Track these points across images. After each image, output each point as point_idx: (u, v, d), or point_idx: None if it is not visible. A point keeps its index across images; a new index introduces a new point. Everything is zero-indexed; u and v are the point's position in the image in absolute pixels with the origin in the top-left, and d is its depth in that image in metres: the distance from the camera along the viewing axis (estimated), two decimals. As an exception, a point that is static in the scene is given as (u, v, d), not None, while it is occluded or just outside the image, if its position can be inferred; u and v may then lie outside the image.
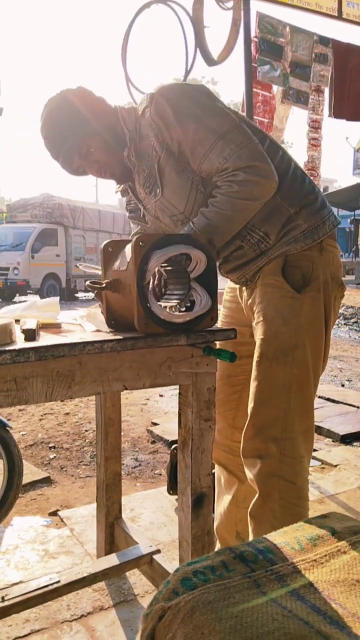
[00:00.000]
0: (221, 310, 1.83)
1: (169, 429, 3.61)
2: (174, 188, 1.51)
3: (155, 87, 1.52)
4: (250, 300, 1.62)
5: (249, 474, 1.55)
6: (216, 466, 1.87)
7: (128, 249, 1.22)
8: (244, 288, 1.67)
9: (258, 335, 1.56)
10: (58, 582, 1.55)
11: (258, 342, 1.55)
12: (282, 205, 1.51)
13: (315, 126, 3.45)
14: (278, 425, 1.51)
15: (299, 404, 1.52)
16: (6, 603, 1.48)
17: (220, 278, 1.39)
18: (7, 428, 2.34)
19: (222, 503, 1.88)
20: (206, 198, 1.49)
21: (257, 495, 1.53)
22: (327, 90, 3.50)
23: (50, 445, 3.47)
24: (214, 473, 1.70)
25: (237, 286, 1.72)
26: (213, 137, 1.40)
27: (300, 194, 1.54)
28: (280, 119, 3.41)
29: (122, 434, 1.96)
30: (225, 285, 1.81)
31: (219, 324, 1.75)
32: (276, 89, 3.33)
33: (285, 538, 1.10)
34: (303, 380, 1.53)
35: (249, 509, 1.56)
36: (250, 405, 1.55)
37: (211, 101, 1.47)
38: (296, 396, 1.52)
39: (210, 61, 3.04)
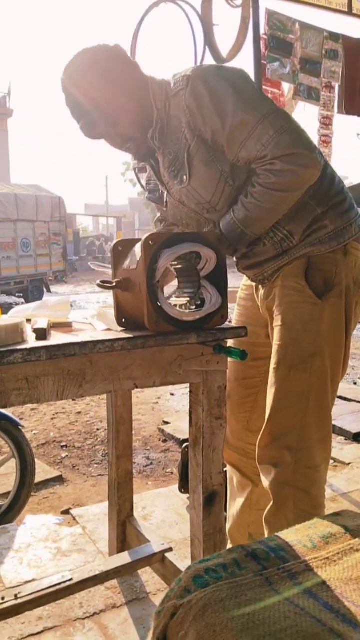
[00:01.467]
0: (235, 309, 1.79)
1: (180, 427, 3.61)
2: (201, 179, 1.45)
3: (191, 68, 1.44)
4: (268, 300, 1.57)
5: (265, 481, 1.53)
6: (228, 467, 1.86)
7: (138, 248, 1.22)
8: (260, 286, 1.62)
9: (276, 340, 1.51)
10: (70, 580, 1.56)
11: (276, 347, 1.51)
12: (310, 204, 1.45)
13: (326, 123, 3.43)
14: (294, 434, 1.48)
15: (316, 413, 1.49)
16: (19, 601, 1.49)
17: (231, 276, 1.36)
18: (20, 427, 2.35)
19: (234, 505, 1.86)
20: (234, 191, 1.44)
21: (272, 503, 1.51)
22: (337, 87, 3.47)
23: (62, 444, 3.48)
24: (225, 472, 1.70)
25: (253, 284, 1.67)
26: (252, 123, 1.33)
27: (329, 194, 1.48)
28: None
29: (133, 432, 1.96)
30: (237, 283, 1.80)
31: (232, 323, 1.72)
32: (287, 87, 3.31)
33: (298, 536, 1.09)
34: (321, 388, 1.49)
35: (264, 515, 1.54)
36: (267, 412, 1.52)
37: (249, 85, 1.41)
38: (314, 405, 1.48)
39: (219, 59, 3.03)
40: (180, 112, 1.41)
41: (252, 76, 2.83)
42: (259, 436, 1.54)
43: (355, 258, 1.51)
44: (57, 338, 1.16)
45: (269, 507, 1.53)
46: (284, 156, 1.31)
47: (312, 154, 1.33)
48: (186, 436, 2.01)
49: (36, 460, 2.47)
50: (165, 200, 1.62)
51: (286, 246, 1.48)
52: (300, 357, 1.47)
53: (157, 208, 1.79)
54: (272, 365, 1.52)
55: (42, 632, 1.65)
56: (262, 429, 1.52)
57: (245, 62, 3.07)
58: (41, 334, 1.13)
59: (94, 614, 1.73)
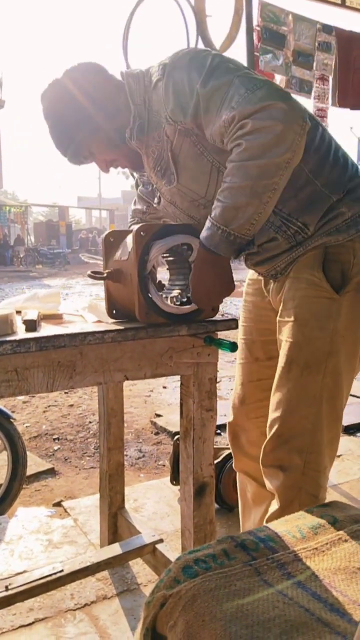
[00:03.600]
0: (241, 305, 1.68)
1: (173, 420, 3.61)
2: (191, 174, 1.33)
3: (169, 56, 1.31)
4: (280, 295, 1.44)
5: (269, 484, 1.46)
6: (240, 477, 1.75)
7: (129, 239, 1.22)
8: (271, 280, 1.49)
9: (286, 336, 1.39)
10: (61, 571, 1.56)
11: (287, 344, 1.39)
12: (323, 192, 1.31)
13: (321, 115, 3.42)
14: (305, 437, 1.39)
15: (329, 415, 1.40)
16: (10, 592, 1.49)
17: (233, 269, 1.29)
18: (11, 420, 2.35)
19: (250, 519, 1.75)
20: None
21: (277, 506, 1.44)
22: (331, 79, 3.47)
23: (54, 436, 3.48)
24: (216, 463, 1.70)
25: (261, 278, 1.54)
26: (224, 86, 1.15)
27: (343, 179, 1.34)
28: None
29: (125, 425, 1.97)
30: (237, 276, 1.72)
31: (240, 320, 1.63)
32: (279, 79, 3.30)
33: (287, 527, 1.10)
34: (335, 390, 1.39)
35: (267, 517, 1.46)
36: (276, 413, 1.41)
37: (224, 58, 1.25)
38: (326, 407, 1.38)
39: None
40: (160, 106, 1.29)
41: (245, 68, 2.82)
42: (267, 438, 1.44)
43: None
44: (47, 329, 1.16)
45: (272, 509, 1.46)
46: (254, 112, 1.09)
47: (291, 106, 1.10)
48: (178, 429, 2.01)
49: (28, 452, 2.47)
50: (157, 196, 1.52)
51: (300, 238, 1.34)
52: (315, 358, 1.36)
53: (138, 199, 1.71)
54: (281, 363, 1.41)
55: (33, 623, 1.65)
56: (269, 430, 1.43)
57: (238, 53, 3.06)
58: (31, 325, 1.12)
59: (85, 605, 1.74)
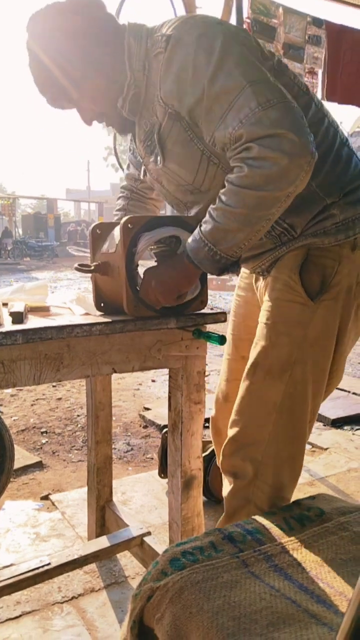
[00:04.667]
0: (233, 300, 1.65)
1: (161, 413, 3.61)
2: (179, 160, 1.23)
3: (175, 24, 1.14)
4: (264, 294, 1.38)
5: (224, 491, 1.42)
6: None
7: (117, 231, 1.21)
8: (260, 277, 1.45)
9: (257, 337, 1.34)
10: (49, 564, 1.56)
11: (256, 347, 1.34)
12: (317, 193, 1.21)
13: (308, 109, 3.42)
14: (261, 447, 1.30)
15: (289, 428, 1.30)
16: (-3, 585, 1.48)
17: None
18: (-2, 413, 2.33)
19: None
20: (221, 171, 1.21)
21: (223, 513, 1.40)
22: (320, 73, 3.47)
23: (42, 430, 3.47)
24: (204, 456, 1.71)
25: (253, 274, 1.50)
26: (235, 90, 1.03)
27: (343, 180, 1.24)
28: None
29: (114, 418, 1.96)
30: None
31: (230, 315, 1.61)
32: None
33: (274, 519, 1.10)
34: (297, 401, 1.29)
35: (217, 525, 1.42)
36: (236, 416, 1.35)
37: (243, 47, 1.10)
38: (286, 418, 1.29)
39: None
40: (157, 79, 1.17)
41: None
42: (225, 441, 1.39)
43: None
44: (34, 322, 1.15)
45: (221, 517, 1.42)
46: (263, 137, 1.00)
47: (302, 140, 1.01)
48: (167, 422, 2.02)
49: (16, 446, 2.46)
50: (143, 170, 1.41)
51: (286, 239, 1.28)
52: (278, 364, 1.28)
53: (130, 163, 1.60)
54: (248, 365, 1.35)
55: (20, 616, 1.65)
56: (229, 433, 1.37)
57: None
58: (17, 317, 1.11)
59: (73, 597, 1.74)
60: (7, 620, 1.62)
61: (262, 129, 1.00)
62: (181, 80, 1.11)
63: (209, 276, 1.26)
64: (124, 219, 1.17)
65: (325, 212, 1.24)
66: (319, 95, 3.49)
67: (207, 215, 1.12)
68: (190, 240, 1.15)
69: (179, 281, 1.19)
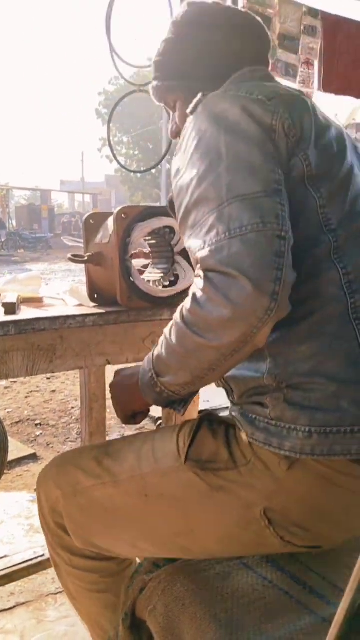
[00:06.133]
0: None
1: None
2: None
3: (208, 101, 0.92)
4: None
5: None
6: None
7: (110, 221, 1.20)
8: None
9: None
10: (42, 555, 1.56)
11: None
12: (264, 355, 0.86)
13: (303, 100, 3.40)
14: None
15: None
16: (-9, 577, 1.48)
17: None
18: (-8, 404, 2.32)
19: None
20: None
21: None
22: (316, 64, 3.45)
23: (37, 422, 3.46)
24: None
25: None
26: (213, 205, 0.79)
27: (300, 368, 0.83)
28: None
29: (108, 411, 1.95)
30: None
31: None
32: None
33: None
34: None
35: None
36: None
37: (249, 148, 0.82)
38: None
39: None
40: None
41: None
42: None
43: (310, 482, 0.83)
44: (26, 313, 1.14)
45: None
46: (214, 272, 0.75)
47: (258, 291, 0.72)
48: (160, 414, 2.03)
49: (10, 438, 2.45)
50: None
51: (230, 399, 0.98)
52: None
53: None
54: None
55: (14, 607, 1.65)
56: None
57: (223, 35, 3.01)
58: (10, 308, 1.10)
59: (67, 589, 1.74)
60: (1, 611, 1.62)
61: (215, 262, 0.75)
62: (179, 155, 0.91)
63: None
64: (118, 209, 1.16)
65: (259, 390, 0.87)
66: (315, 86, 3.47)
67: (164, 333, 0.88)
68: (146, 357, 0.92)
69: (129, 398, 0.99)
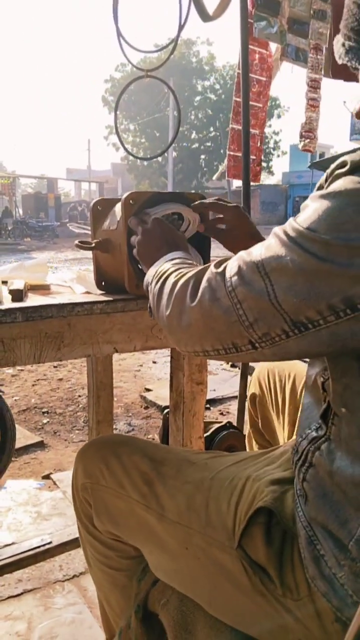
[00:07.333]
0: None
1: (162, 394, 3.61)
2: None
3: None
4: None
5: None
6: None
7: (118, 208, 1.18)
8: None
9: None
10: (50, 543, 1.56)
11: None
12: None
13: (314, 86, 3.35)
14: None
15: None
16: (-2, 564, 1.49)
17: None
18: (0, 393, 2.33)
19: None
20: None
21: None
22: (325, 49, 3.39)
23: (44, 410, 3.47)
24: (205, 437, 1.70)
25: None
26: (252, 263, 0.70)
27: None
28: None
29: (115, 399, 1.95)
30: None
31: None
32: (274, 47, 3.23)
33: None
34: None
35: None
36: None
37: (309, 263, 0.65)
38: None
39: (205, 16, 2.92)
40: None
41: (239, 35, 2.75)
42: None
43: None
44: (34, 300, 1.13)
45: None
46: (189, 297, 0.78)
47: (175, 334, 0.82)
48: (167, 403, 2.03)
49: (17, 426, 2.46)
50: None
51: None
52: None
53: None
54: None
55: (21, 594, 1.65)
56: None
57: (231, 20, 2.97)
58: (17, 295, 1.09)
59: (74, 576, 1.75)
60: (8, 597, 1.63)
61: (198, 300, 0.76)
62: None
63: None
64: (125, 194, 1.14)
65: (338, 547, 0.74)
66: (323, 72, 3.42)
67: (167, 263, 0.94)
68: (154, 272, 0.96)
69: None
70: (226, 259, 0.76)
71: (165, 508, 0.91)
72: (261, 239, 1.10)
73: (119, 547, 1.04)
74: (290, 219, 0.70)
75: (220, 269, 0.75)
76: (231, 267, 0.73)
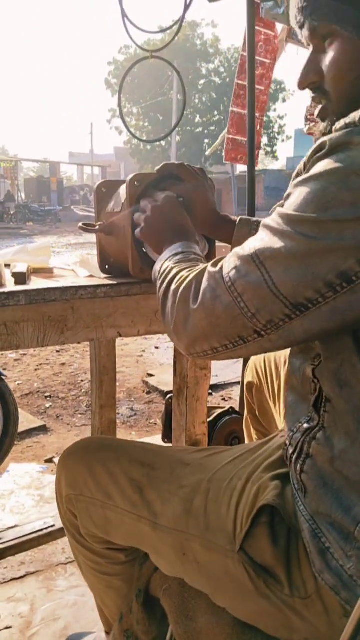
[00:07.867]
0: None
1: (164, 380, 3.62)
2: None
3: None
4: None
5: None
6: None
7: (122, 189, 1.16)
8: None
9: None
10: (53, 526, 1.57)
11: None
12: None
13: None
14: None
15: None
16: (2, 546, 1.49)
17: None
18: (2, 377, 2.32)
19: None
20: None
21: None
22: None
23: (47, 394, 3.48)
24: (208, 422, 1.70)
25: None
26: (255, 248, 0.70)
27: None
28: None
29: (118, 384, 1.95)
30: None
31: None
32: (280, 27, 3.18)
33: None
34: None
35: None
36: None
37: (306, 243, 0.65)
38: None
39: (211, -4, 2.87)
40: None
41: (245, 16, 2.70)
42: None
43: None
44: (37, 283, 1.11)
45: None
46: (190, 298, 0.77)
47: (183, 340, 0.79)
48: (170, 388, 2.02)
49: (20, 410, 2.46)
50: None
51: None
52: None
53: None
54: None
55: (24, 576, 1.66)
56: None
57: (237, 0, 2.92)
58: (20, 278, 1.08)
59: (77, 559, 1.76)
60: (11, 580, 1.64)
61: (199, 297, 0.76)
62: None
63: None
64: (130, 176, 1.12)
65: (344, 531, 0.74)
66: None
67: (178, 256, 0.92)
68: (161, 267, 0.94)
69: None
70: (222, 258, 0.77)
71: (158, 515, 0.88)
72: (222, 218, 1.17)
73: (109, 555, 1.01)
74: (277, 209, 0.72)
75: (217, 268, 0.76)
76: (228, 264, 0.74)
